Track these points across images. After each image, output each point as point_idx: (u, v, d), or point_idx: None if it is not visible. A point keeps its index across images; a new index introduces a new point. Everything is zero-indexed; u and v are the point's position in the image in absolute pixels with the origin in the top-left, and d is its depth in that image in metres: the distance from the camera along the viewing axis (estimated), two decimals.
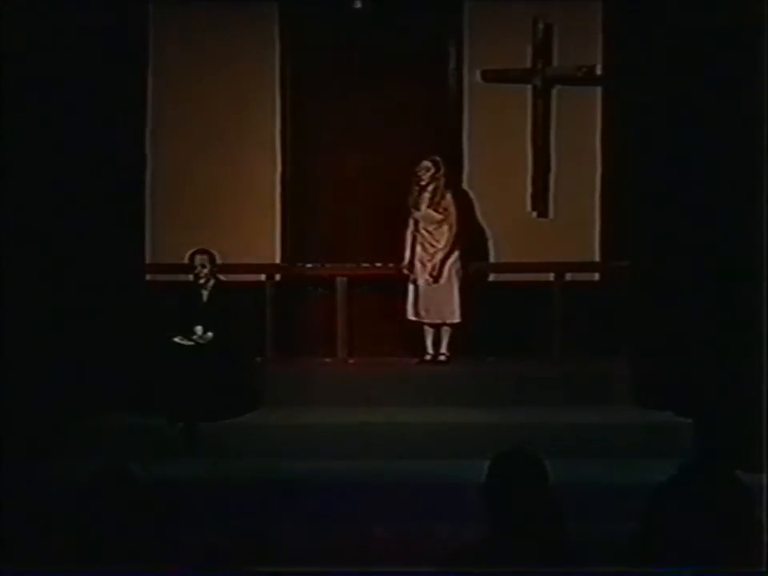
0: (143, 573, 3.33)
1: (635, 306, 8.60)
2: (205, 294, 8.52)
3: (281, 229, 9.71)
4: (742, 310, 7.34)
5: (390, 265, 9.34)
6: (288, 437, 7.84)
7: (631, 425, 7.91)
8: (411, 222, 9.15)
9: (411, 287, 9.16)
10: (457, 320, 9.06)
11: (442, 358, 9.18)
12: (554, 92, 9.54)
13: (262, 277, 9.43)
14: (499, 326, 9.19)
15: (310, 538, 6.39)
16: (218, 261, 8.60)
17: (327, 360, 9.44)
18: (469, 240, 9.28)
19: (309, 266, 9.64)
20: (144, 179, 9.38)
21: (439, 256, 9.05)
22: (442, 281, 9.05)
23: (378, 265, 9.49)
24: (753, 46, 7.20)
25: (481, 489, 3.55)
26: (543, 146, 9.51)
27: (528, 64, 9.48)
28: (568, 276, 9.31)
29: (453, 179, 9.28)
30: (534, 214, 9.58)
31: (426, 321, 9.18)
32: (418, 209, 9.11)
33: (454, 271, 9.08)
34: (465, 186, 9.60)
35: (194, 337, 8.35)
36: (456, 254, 9.08)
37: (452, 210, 9.08)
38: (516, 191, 9.57)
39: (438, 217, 9.07)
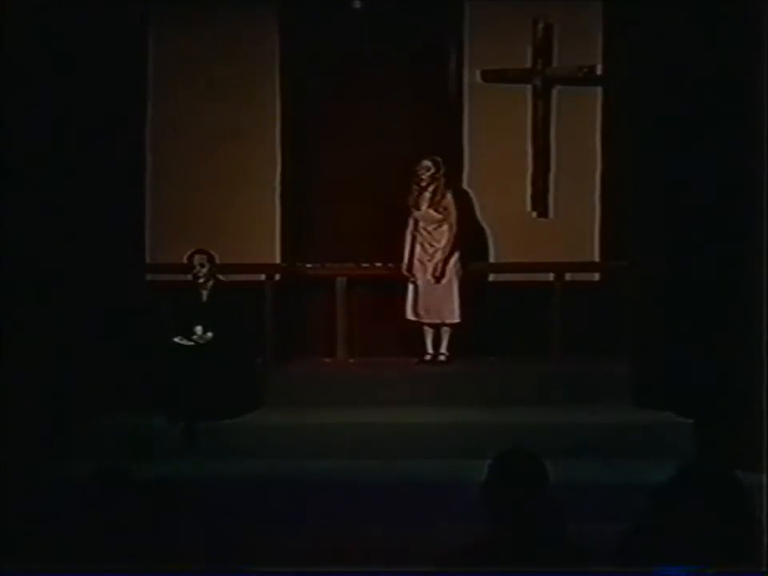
0: (143, 573, 3.33)
1: (635, 306, 8.61)
2: (205, 294, 8.52)
3: (281, 229, 9.71)
4: (742, 310, 7.34)
5: (390, 265, 9.34)
6: (288, 437, 7.85)
7: (631, 425, 7.90)
8: (411, 222, 9.16)
9: (411, 287, 9.17)
10: (457, 320, 9.06)
11: (442, 357, 9.17)
12: (554, 92, 9.54)
13: (262, 277, 9.43)
14: (499, 326, 9.19)
15: (309, 538, 6.39)
16: (218, 261, 8.60)
17: (327, 360, 9.44)
18: (469, 240, 9.28)
19: (309, 265, 9.64)
20: (144, 179, 9.38)
21: (439, 256, 9.05)
22: (443, 281, 9.05)
23: (378, 265, 9.49)
24: (753, 46, 7.20)
25: (481, 489, 3.55)
26: (543, 146, 9.51)
27: (528, 64, 9.48)
28: (568, 276, 9.30)
29: (453, 179, 9.28)
30: (534, 214, 9.58)
31: (425, 321, 9.18)
32: (418, 208, 9.11)
33: (454, 271, 9.09)
34: (465, 185, 9.60)
35: (194, 337, 8.35)
36: (456, 253, 9.09)
37: (452, 209, 9.08)
38: (516, 191, 9.57)
39: (438, 216, 9.08)
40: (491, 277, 9.67)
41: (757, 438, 6.85)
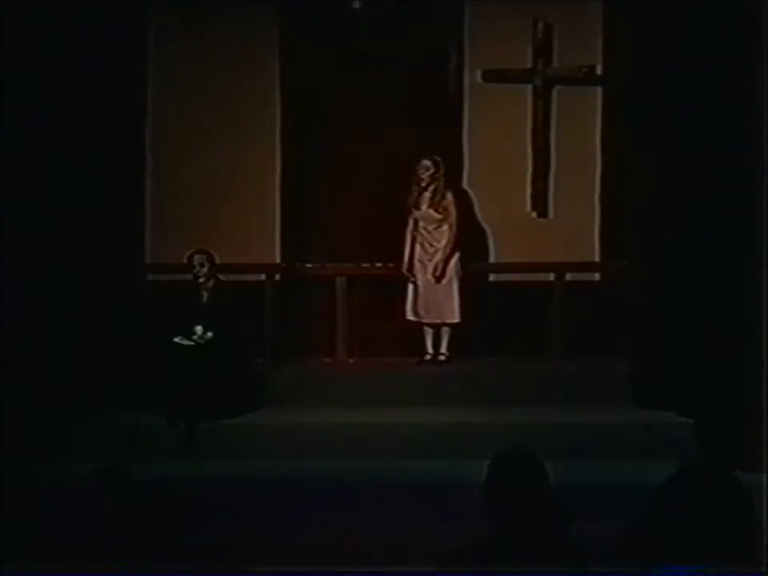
0: (143, 573, 3.33)
1: (635, 306, 8.60)
2: (205, 294, 8.52)
3: (281, 229, 9.71)
4: (742, 310, 7.34)
5: (390, 265, 9.34)
6: (288, 437, 7.85)
7: (631, 425, 7.90)
8: (411, 222, 9.16)
9: (411, 287, 9.17)
10: (457, 320, 9.07)
11: (442, 357, 9.18)
12: (555, 92, 9.54)
13: (262, 277, 9.43)
14: (499, 326, 9.18)
15: (309, 538, 6.39)
16: (218, 261, 8.60)
17: (327, 360, 9.44)
18: (469, 240, 9.28)
19: (309, 265, 9.64)
20: (144, 179, 9.38)
21: (439, 256, 9.06)
22: (444, 281, 9.05)
23: (378, 265, 9.49)
24: (753, 46, 7.20)
25: (481, 489, 3.55)
26: (543, 146, 9.50)
27: (528, 64, 9.48)
28: (568, 276, 9.30)
29: (453, 179, 9.28)
30: (534, 214, 9.58)
31: (425, 321, 9.18)
32: (418, 208, 9.11)
33: (454, 271, 9.09)
34: (465, 185, 9.60)
35: (194, 337, 8.35)
36: (456, 253, 9.09)
37: (452, 209, 9.08)
38: (516, 191, 9.56)
39: (438, 216, 9.08)
40: (491, 277, 9.67)
41: (757, 438, 6.85)
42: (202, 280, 8.49)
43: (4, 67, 7.35)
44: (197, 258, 8.50)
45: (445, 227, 9.08)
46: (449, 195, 9.10)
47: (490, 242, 9.66)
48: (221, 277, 8.61)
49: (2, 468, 6.69)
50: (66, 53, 7.94)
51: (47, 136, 7.80)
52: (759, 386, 7.05)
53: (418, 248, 9.13)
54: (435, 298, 9.10)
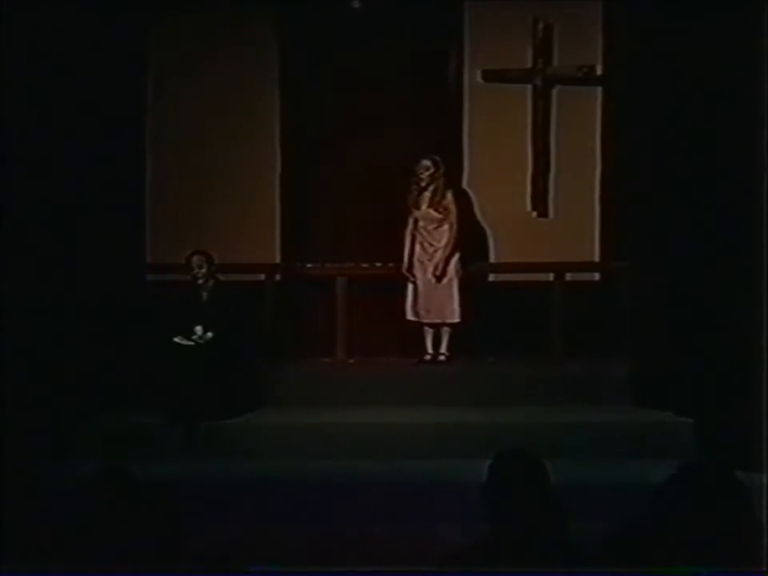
0: (143, 573, 3.33)
1: (635, 306, 8.60)
2: (204, 294, 8.52)
3: (281, 229, 9.71)
4: (742, 310, 7.34)
5: (390, 265, 9.34)
6: (288, 437, 7.85)
7: (631, 425, 7.90)
8: (411, 222, 9.16)
9: (411, 287, 9.17)
10: (457, 320, 9.07)
11: (442, 357, 9.18)
12: (555, 92, 9.54)
13: (262, 277, 9.44)
14: (499, 326, 9.19)
15: (309, 538, 6.39)
16: (217, 261, 8.60)
17: (327, 360, 9.44)
18: (469, 240, 9.28)
19: (309, 265, 9.64)
20: (144, 179, 9.38)
21: (439, 255, 9.06)
22: (444, 281, 9.05)
23: (378, 265, 9.49)
24: (753, 46, 7.20)
25: (481, 489, 3.55)
26: (543, 146, 9.51)
27: (528, 64, 9.48)
28: (568, 276, 9.31)
29: (453, 179, 9.28)
30: (534, 214, 9.58)
31: (425, 321, 9.18)
32: (418, 208, 9.11)
33: (454, 271, 9.09)
34: (465, 185, 9.60)
35: (194, 337, 8.35)
36: (456, 253, 9.09)
37: (452, 209, 9.08)
38: (516, 191, 9.57)
39: (438, 216, 9.08)
40: (491, 277, 9.67)
41: (757, 438, 6.85)
42: (201, 281, 8.49)
43: (3, 67, 7.35)
44: (195, 260, 8.50)
45: (445, 227, 9.09)
46: (449, 195, 9.10)
47: (490, 241, 9.66)
48: (220, 277, 8.61)
49: (2, 468, 6.68)
50: (66, 53, 7.94)
51: (47, 136, 7.79)
52: (759, 386, 7.04)
53: (417, 248, 9.13)
54: (435, 297, 9.10)
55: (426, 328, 9.22)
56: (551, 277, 9.28)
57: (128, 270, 8.83)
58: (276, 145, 9.65)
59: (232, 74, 9.51)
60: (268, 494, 6.94)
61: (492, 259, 9.69)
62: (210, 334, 8.36)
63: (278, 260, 9.70)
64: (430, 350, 9.23)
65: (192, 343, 8.33)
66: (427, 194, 9.07)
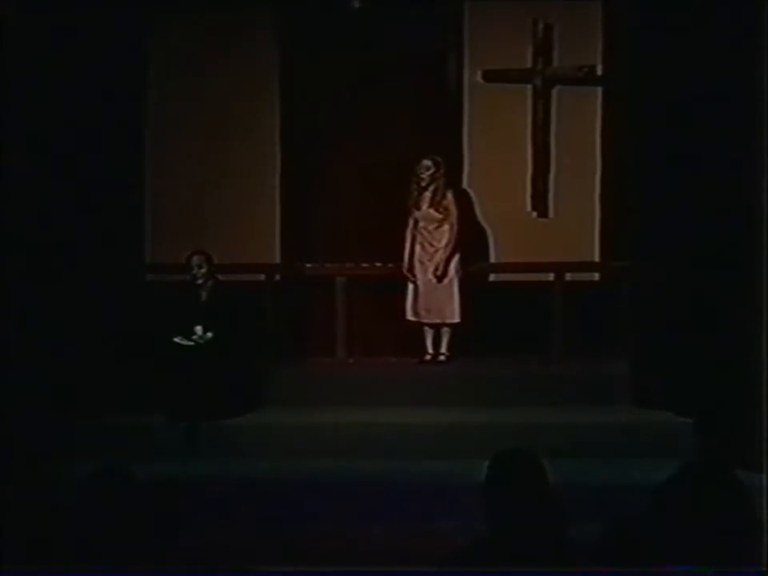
0: (143, 573, 3.33)
1: (635, 306, 8.60)
2: (204, 294, 8.52)
3: (281, 228, 9.71)
4: (742, 310, 7.34)
5: (390, 265, 9.34)
6: (288, 437, 7.84)
7: (631, 425, 7.90)
8: (411, 222, 9.15)
9: (411, 287, 9.17)
10: (457, 320, 9.07)
11: (442, 358, 9.18)
12: (555, 92, 9.54)
13: (262, 277, 9.44)
14: (499, 326, 9.19)
15: (309, 538, 6.39)
16: (217, 261, 8.59)
17: (327, 360, 9.44)
18: (469, 240, 9.28)
19: (309, 265, 9.64)
20: (144, 179, 9.38)
21: (439, 256, 9.05)
22: (444, 281, 9.05)
23: (378, 265, 9.49)
24: (753, 46, 7.20)
25: (480, 489, 3.55)
26: (543, 146, 9.51)
27: (528, 64, 9.48)
28: (568, 276, 9.31)
29: (453, 179, 9.28)
30: (534, 214, 9.58)
31: (425, 321, 9.18)
32: (418, 208, 9.11)
33: (454, 271, 9.09)
34: (465, 185, 9.60)
35: (194, 337, 8.35)
36: (456, 253, 9.08)
37: (452, 209, 9.08)
38: (516, 191, 9.57)
39: (438, 216, 9.07)
40: (491, 277, 9.67)
41: (757, 438, 6.85)
42: (200, 281, 8.48)
43: (4, 68, 7.35)
44: (195, 260, 8.50)
45: (445, 227, 9.08)
46: (449, 195, 9.10)
47: (491, 241, 9.66)
48: (219, 277, 8.61)
49: (2, 468, 6.68)
50: (66, 53, 7.94)
51: (48, 136, 7.80)
52: (759, 386, 7.04)
53: (418, 248, 9.13)
54: (435, 298, 9.10)
55: (426, 328, 9.22)
56: (551, 277, 9.28)
57: (128, 270, 8.83)
58: (276, 145, 9.65)
59: (232, 75, 9.51)
60: (268, 494, 6.95)
61: (492, 259, 9.69)
62: (209, 334, 8.35)
63: (277, 260, 9.70)
64: (430, 350, 9.23)
65: (192, 343, 8.33)
66: (427, 194, 9.07)
